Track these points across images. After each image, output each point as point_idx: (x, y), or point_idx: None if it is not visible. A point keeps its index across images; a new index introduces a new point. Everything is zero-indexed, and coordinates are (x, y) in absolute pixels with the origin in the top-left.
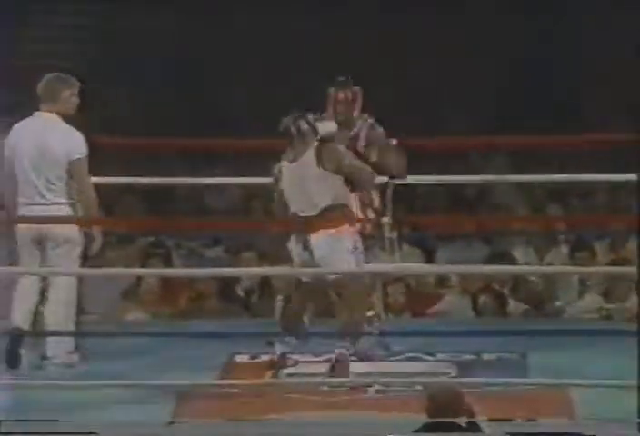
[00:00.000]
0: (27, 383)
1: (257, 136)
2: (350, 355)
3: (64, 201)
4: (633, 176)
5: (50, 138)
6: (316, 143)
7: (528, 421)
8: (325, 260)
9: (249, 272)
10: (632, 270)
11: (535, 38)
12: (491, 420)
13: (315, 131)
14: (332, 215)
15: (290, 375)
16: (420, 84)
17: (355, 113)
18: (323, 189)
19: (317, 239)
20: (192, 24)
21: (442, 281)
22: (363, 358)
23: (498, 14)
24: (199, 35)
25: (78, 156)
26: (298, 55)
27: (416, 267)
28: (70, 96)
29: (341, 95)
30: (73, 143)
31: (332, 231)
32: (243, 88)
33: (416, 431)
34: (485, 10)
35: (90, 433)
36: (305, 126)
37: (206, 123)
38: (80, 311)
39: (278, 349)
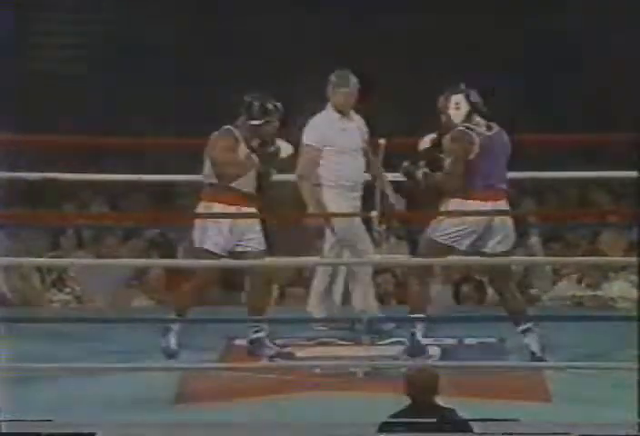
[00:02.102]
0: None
1: None
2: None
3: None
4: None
5: None
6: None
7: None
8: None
9: (246, 263)
10: (609, 260)
11: None
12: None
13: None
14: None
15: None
16: None
17: None
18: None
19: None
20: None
21: None
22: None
23: None
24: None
25: (307, 143)
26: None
27: (403, 258)
28: (335, 94)
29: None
30: (309, 130)
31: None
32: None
33: (399, 412)
34: None
35: (88, 434)
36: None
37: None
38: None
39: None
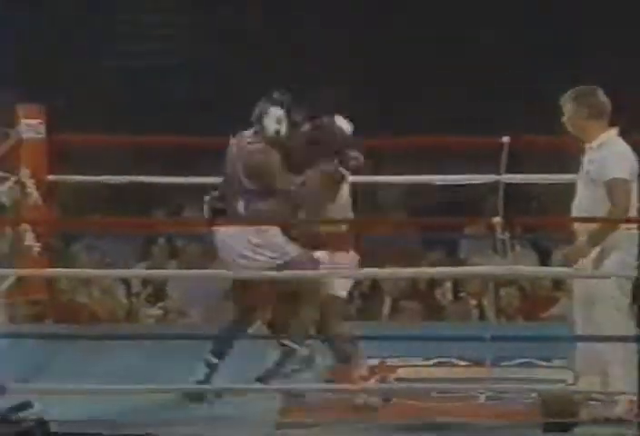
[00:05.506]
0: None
1: None
2: None
3: None
4: None
5: None
6: None
7: None
8: None
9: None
10: None
11: None
12: None
13: None
14: None
15: (397, 380)
16: None
17: None
18: None
19: None
20: None
21: (558, 284)
22: None
23: None
24: None
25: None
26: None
27: (529, 269)
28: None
29: None
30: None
31: None
32: None
33: None
34: None
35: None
36: None
37: None
38: None
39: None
